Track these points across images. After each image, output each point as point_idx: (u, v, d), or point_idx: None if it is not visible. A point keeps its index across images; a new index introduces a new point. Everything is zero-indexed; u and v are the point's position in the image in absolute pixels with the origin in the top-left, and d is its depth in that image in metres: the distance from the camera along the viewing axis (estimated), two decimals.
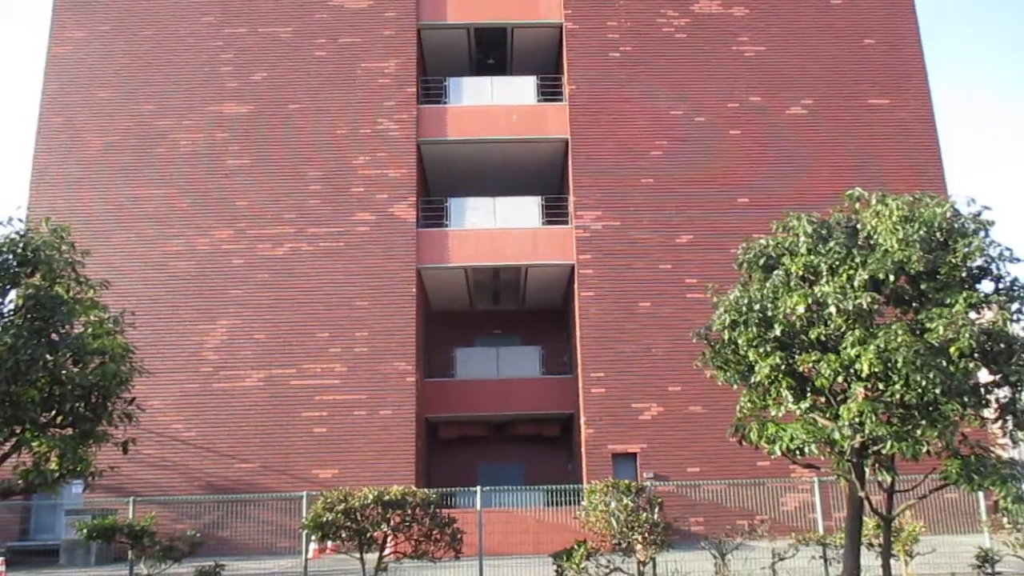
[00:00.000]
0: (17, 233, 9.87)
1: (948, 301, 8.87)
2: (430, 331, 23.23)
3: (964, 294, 8.78)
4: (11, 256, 9.49)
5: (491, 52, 23.99)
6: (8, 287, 9.60)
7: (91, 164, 20.87)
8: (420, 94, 21.96)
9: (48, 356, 9.03)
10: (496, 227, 21.05)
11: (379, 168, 20.86)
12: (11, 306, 9.63)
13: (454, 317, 24.29)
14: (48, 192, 20.65)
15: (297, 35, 21.79)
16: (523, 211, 21.22)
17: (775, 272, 9.36)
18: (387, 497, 11.20)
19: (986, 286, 9.52)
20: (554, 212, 21.58)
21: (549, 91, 22.36)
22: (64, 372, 9.13)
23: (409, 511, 11.23)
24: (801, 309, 8.73)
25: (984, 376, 9.37)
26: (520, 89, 22.06)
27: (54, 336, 9.25)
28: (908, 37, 22.45)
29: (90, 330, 9.63)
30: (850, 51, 22.18)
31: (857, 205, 10.21)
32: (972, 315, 9.07)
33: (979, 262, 9.38)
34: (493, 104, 21.84)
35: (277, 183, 20.69)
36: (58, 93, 21.42)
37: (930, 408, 8.48)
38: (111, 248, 19.80)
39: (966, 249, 9.06)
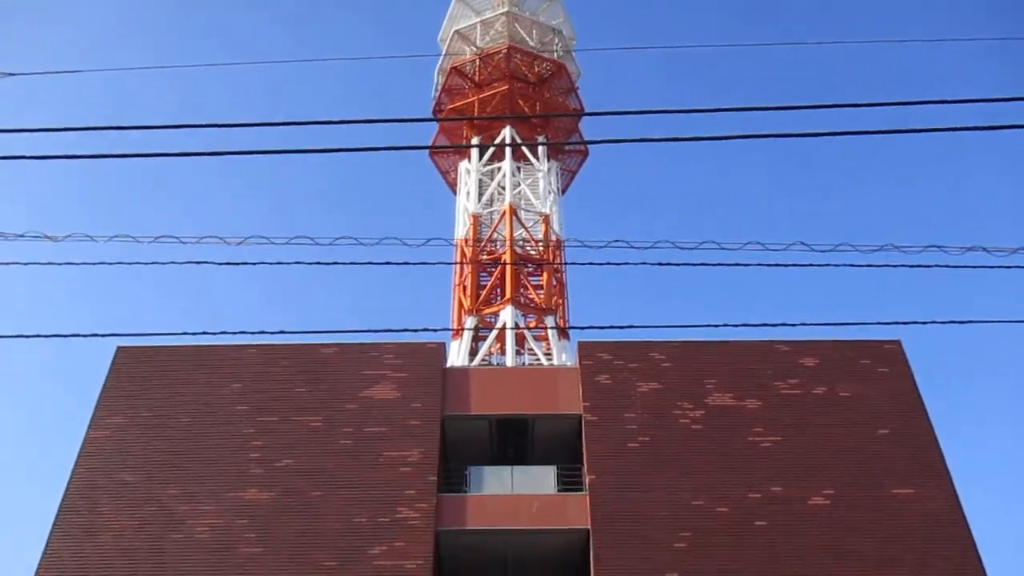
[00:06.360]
0: None
1: None
2: None
3: None
4: None
5: (512, 441, 24.57)
6: None
7: (106, 550, 20.48)
8: (441, 483, 22.08)
9: None
10: None
11: (395, 559, 20.25)
12: None
13: None
14: None
15: (326, 424, 22.61)
16: None
17: None
18: None
19: None
20: None
21: (569, 480, 22.42)
22: None
23: None
24: None
25: None
26: (540, 479, 22.21)
27: None
28: (921, 428, 22.85)
29: None
30: (865, 441, 22.46)
31: None
32: None
33: None
34: (514, 493, 21.85)
35: (290, 574, 19.99)
36: (86, 476, 21.78)
37: None
38: None
39: None
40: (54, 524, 20.96)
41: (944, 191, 76.22)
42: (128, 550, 20.46)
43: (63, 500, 21.39)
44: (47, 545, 20.61)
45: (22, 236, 10.93)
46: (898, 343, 24.72)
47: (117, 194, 78.20)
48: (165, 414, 22.94)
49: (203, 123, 8.77)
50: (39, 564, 20.27)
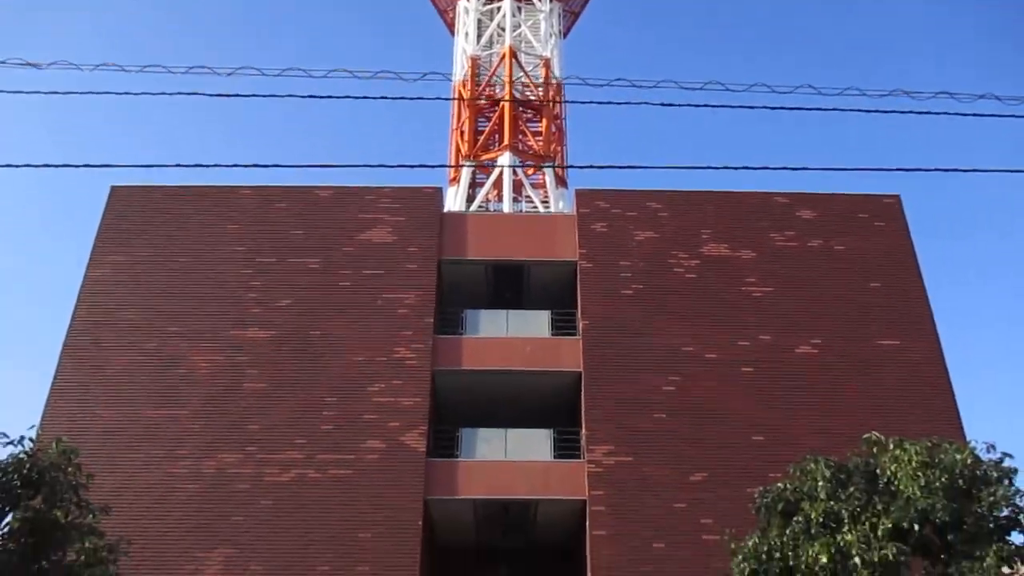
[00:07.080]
0: (26, 453, 9.85)
1: (978, 554, 8.50)
2: (434, 567, 22.18)
3: (995, 547, 8.44)
4: (16, 477, 9.40)
5: (507, 286, 24.87)
6: (8, 509, 9.43)
7: (111, 384, 21.11)
8: (437, 325, 22.52)
9: None
10: (507, 459, 20.76)
11: (393, 396, 20.96)
12: (7, 528, 9.41)
13: (459, 554, 23.26)
14: (65, 409, 20.68)
15: (324, 265, 22.78)
16: (535, 444, 21.01)
17: (794, 518, 9.07)
18: None
19: (1016, 537, 9.17)
20: (566, 445, 21.31)
21: (563, 325, 22.87)
22: None
23: None
24: (824, 559, 8.36)
25: None
26: (535, 322, 22.65)
27: (45, 563, 8.93)
28: (912, 282, 23.15)
29: (83, 558, 9.31)
30: (856, 293, 22.80)
31: (875, 449, 10.08)
32: (1005, 569, 8.67)
33: (1006, 512, 9.12)
34: (508, 336, 22.35)
35: (291, 408, 20.73)
36: (89, 313, 22.13)
37: None
38: (119, 467, 19.51)
39: (991, 498, 8.83)
40: (59, 360, 21.48)
41: (954, 43, 73.81)
42: (133, 385, 21.09)
43: (67, 336, 21.81)
44: (54, 380, 21.19)
45: (4, 63, 10.55)
46: (897, 197, 24.61)
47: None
48: (163, 254, 23.04)
49: None
50: (46, 401, 20.88)
